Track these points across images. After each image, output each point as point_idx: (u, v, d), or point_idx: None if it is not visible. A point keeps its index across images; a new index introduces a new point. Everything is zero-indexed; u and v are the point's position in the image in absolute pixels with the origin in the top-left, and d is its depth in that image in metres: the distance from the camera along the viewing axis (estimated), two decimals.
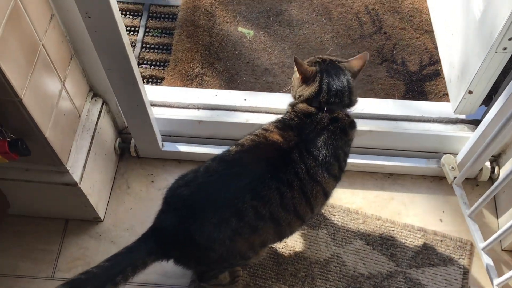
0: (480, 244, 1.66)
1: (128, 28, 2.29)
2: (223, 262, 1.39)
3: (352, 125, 1.43)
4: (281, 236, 1.44)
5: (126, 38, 1.34)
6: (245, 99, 1.87)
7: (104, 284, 1.26)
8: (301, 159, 1.32)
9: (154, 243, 1.33)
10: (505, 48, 1.50)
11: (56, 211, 1.72)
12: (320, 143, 1.34)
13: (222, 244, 1.29)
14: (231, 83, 2.15)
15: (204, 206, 1.27)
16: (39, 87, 1.29)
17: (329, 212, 1.78)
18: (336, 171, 1.39)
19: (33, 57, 1.24)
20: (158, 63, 2.20)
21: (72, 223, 1.75)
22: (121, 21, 1.29)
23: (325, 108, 1.38)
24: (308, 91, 1.41)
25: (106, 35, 1.30)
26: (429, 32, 2.24)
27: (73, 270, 1.66)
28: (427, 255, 1.69)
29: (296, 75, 1.44)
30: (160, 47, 2.24)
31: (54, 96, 1.38)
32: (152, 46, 2.25)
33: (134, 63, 1.43)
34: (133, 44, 2.24)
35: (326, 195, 1.41)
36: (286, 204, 1.32)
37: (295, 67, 1.41)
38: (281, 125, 1.40)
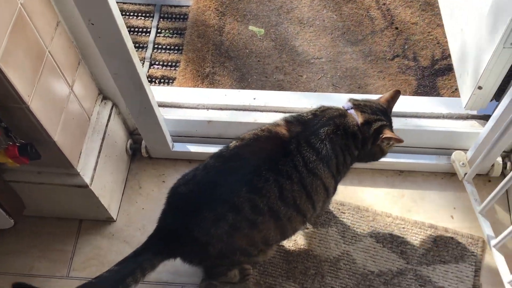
0: (492, 240, 1.64)
1: (140, 29, 2.32)
2: (224, 258, 1.40)
3: (354, 135, 1.42)
4: (283, 233, 1.43)
5: (130, 43, 1.37)
6: (254, 98, 1.88)
7: (115, 286, 1.31)
8: (298, 151, 1.32)
9: (159, 244, 1.36)
10: None
11: (70, 212, 1.76)
12: (323, 135, 1.35)
13: (220, 239, 1.31)
14: (242, 82, 2.16)
15: (201, 203, 1.29)
16: (47, 92, 1.32)
17: (339, 210, 1.78)
18: (334, 169, 1.38)
19: (39, 64, 1.28)
20: (169, 64, 2.23)
21: (85, 224, 1.79)
22: (124, 27, 1.32)
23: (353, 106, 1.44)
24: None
25: (110, 41, 1.33)
26: (441, 26, 2.21)
27: (87, 270, 1.71)
28: (438, 252, 1.68)
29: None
30: (172, 47, 2.27)
31: (62, 100, 1.41)
32: (164, 46, 2.27)
33: (139, 67, 1.45)
34: (145, 45, 2.27)
35: (327, 191, 1.40)
36: (285, 197, 1.31)
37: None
38: (294, 119, 1.41)
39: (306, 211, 1.38)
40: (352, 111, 1.43)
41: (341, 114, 1.42)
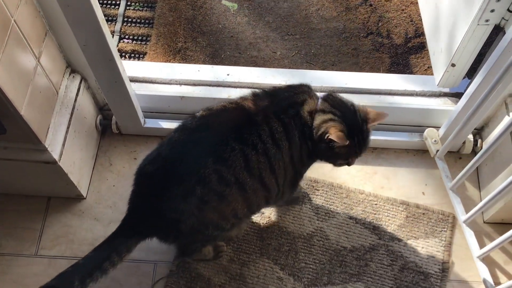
0: (462, 216, 1.67)
1: (109, 2, 2.24)
2: (197, 234, 1.38)
3: (302, 122, 1.34)
4: (250, 206, 1.39)
5: (100, 12, 1.31)
6: (228, 74, 1.85)
7: (92, 272, 1.28)
8: (265, 121, 1.29)
9: (132, 226, 1.34)
10: (487, 20, 1.49)
11: (38, 189, 1.71)
12: (289, 113, 1.33)
13: (191, 215, 1.29)
14: (214, 58, 2.13)
15: (169, 180, 1.26)
16: (12, 64, 1.26)
17: (313, 187, 1.78)
18: (296, 151, 1.35)
19: (4, 33, 1.21)
20: (140, 38, 2.17)
21: (54, 201, 1.74)
22: None
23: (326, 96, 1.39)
24: None
25: (78, 10, 1.27)
26: (415, 3, 2.22)
27: (56, 248, 1.67)
28: (409, 228, 1.70)
29: None
30: (142, 21, 2.21)
31: (28, 73, 1.35)
32: (134, 20, 2.21)
33: (109, 38, 1.40)
34: (114, 18, 2.20)
35: (286, 169, 1.37)
36: (251, 168, 1.28)
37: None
38: (262, 93, 1.38)
39: (270, 185, 1.36)
40: (320, 100, 1.38)
41: (304, 99, 1.37)
